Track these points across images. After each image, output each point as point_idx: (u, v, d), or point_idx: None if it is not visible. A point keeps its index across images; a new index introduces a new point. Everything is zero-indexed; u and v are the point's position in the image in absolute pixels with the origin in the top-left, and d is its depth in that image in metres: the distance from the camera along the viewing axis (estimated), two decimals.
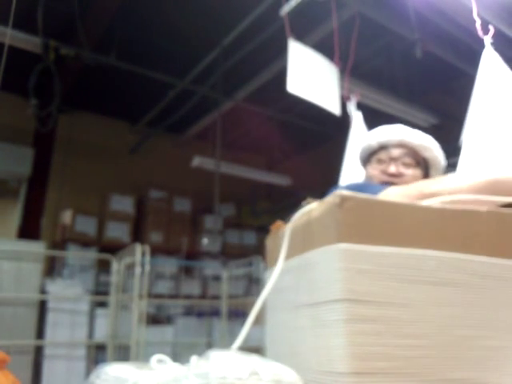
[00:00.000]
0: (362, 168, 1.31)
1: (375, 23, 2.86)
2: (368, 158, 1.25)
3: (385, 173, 1.17)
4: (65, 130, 4.54)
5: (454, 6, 2.34)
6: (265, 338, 0.85)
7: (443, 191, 0.74)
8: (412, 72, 3.79)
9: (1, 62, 1.85)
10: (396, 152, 1.18)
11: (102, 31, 3.36)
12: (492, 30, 1.55)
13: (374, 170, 1.20)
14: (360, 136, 2.05)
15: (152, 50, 3.76)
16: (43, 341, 3.30)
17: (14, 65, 2.05)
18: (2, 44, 2.57)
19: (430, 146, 1.19)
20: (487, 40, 1.55)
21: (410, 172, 1.16)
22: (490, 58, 1.53)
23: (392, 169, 1.16)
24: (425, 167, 1.21)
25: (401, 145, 1.19)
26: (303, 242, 0.69)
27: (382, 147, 1.21)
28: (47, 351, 3.32)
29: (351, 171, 1.97)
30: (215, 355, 0.51)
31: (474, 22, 1.57)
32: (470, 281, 0.62)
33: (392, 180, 1.15)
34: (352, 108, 2.20)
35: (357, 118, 2.15)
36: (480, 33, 1.55)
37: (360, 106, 2.26)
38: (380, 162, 1.20)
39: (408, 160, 1.17)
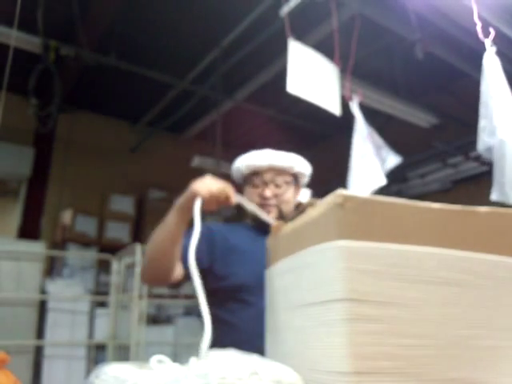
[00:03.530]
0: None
1: (375, 23, 2.85)
2: (243, 181, 1.37)
3: (261, 196, 1.30)
4: (65, 130, 4.54)
5: (455, 7, 2.34)
6: (265, 338, 0.85)
7: None
8: (412, 72, 3.78)
9: (6, 64, 1.86)
10: (268, 176, 1.31)
11: (101, 31, 3.36)
12: (493, 33, 1.55)
13: (252, 194, 1.33)
14: (363, 135, 2.05)
15: (152, 50, 3.76)
16: (43, 341, 3.29)
17: (14, 65, 2.05)
18: (1, 45, 2.58)
19: (296, 164, 1.33)
20: (488, 43, 1.55)
21: (282, 191, 1.31)
22: (491, 61, 1.53)
23: (267, 193, 1.29)
24: (295, 180, 1.37)
25: (271, 169, 1.32)
26: (304, 242, 0.69)
27: (255, 173, 1.33)
28: (47, 351, 3.32)
29: (359, 169, 1.98)
30: (215, 355, 0.51)
31: (475, 22, 1.57)
32: (470, 280, 0.62)
33: (268, 202, 1.29)
34: (355, 108, 2.20)
35: (359, 118, 2.15)
36: (481, 36, 1.54)
37: (360, 106, 2.25)
38: (255, 186, 1.32)
39: (280, 181, 1.32)
